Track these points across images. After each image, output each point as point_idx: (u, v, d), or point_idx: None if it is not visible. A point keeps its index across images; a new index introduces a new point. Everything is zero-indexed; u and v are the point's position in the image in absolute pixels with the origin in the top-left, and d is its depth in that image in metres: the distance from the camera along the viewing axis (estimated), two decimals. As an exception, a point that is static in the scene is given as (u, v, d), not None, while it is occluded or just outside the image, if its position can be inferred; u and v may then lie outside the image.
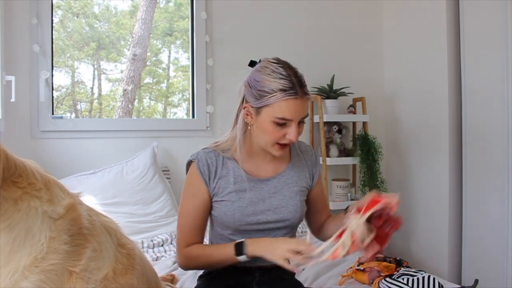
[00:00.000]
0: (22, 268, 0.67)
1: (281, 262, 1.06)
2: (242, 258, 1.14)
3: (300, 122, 1.18)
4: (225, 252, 1.17)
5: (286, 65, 1.16)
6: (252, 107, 1.17)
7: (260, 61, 1.21)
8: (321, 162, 2.64)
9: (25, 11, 2.24)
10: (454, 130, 2.54)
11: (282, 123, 1.13)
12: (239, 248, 1.14)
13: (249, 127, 1.22)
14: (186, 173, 1.28)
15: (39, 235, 0.69)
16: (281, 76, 1.12)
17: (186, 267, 1.25)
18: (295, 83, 1.12)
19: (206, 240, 1.34)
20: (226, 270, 1.26)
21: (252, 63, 1.23)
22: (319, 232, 1.36)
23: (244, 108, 1.21)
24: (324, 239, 1.28)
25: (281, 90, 1.11)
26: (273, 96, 1.11)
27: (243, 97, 1.22)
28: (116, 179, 2.19)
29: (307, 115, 1.17)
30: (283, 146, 1.18)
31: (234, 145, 1.25)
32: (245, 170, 1.25)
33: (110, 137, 2.43)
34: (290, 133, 1.15)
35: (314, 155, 1.37)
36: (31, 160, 0.80)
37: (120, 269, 0.81)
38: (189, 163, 1.27)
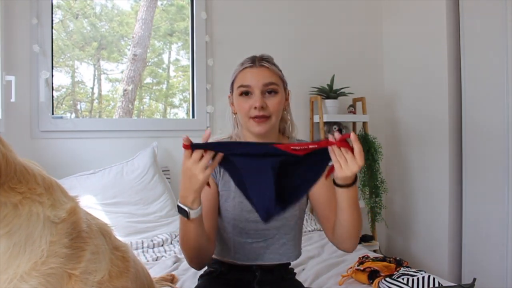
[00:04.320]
0: (21, 273, 0.66)
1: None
2: (180, 204, 1.06)
3: (269, 92, 1.22)
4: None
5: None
6: (231, 93, 1.29)
7: None
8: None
9: (25, 11, 2.24)
10: (454, 130, 2.54)
11: (245, 92, 1.22)
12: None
13: (234, 116, 1.30)
14: None
15: (40, 240, 0.68)
16: (245, 58, 1.27)
17: (184, 254, 1.18)
18: (254, 58, 1.25)
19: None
20: (227, 269, 1.27)
21: None
22: (333, 236, 1.25)
23: (228, 98, 1.32)
24: (339, 241, 1.20)
25: (241, 65, 1.26)
26: (235, 72, 1.27)
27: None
28: (116, 179, 2.19)
29: (272, 83, 1.21)
30: (258, 119, 1.20)
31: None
32: None
33: (110, 137, 2.43)
34: (254, 101, 1.20)
35: None
36: (34, 162, 0.79)
37: (116, 272, 0.80)
38: None
